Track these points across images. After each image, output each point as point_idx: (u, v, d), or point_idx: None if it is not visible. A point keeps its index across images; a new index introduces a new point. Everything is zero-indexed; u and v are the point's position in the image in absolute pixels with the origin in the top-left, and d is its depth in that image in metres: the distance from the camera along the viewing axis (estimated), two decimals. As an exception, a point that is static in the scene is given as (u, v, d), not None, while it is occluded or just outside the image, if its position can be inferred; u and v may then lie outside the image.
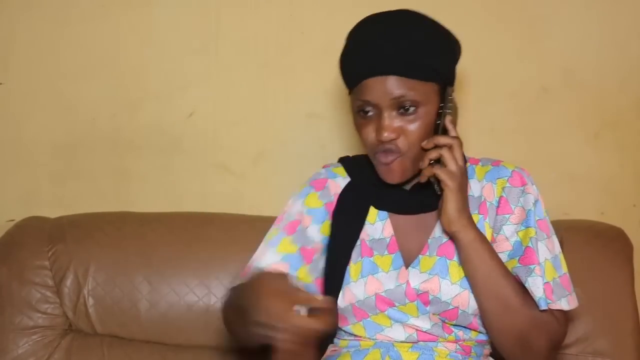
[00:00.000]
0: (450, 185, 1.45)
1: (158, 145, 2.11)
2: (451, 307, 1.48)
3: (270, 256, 1.56)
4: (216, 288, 1.85)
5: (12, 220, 2.01)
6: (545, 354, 1.49)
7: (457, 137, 1.48)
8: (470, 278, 1.47)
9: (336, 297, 1.53)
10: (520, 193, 1.54)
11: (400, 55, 1.45)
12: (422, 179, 1.48)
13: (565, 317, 1.52)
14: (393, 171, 1.50)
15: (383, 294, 1.50)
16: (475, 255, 1.46)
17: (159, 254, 1.86)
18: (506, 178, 1.56)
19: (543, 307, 1.46)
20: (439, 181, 1.48)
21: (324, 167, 1.70)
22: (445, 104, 1.49)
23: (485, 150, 1.94)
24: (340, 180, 1.65)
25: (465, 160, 1.54)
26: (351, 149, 2.05)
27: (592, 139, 2.06)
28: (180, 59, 2.10)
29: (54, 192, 2.11)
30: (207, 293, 1.84)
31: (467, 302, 1.48)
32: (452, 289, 1.48)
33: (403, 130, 1.47)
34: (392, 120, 1.46)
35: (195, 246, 1.88)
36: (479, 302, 1.47)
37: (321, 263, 1.58)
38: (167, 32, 2.10)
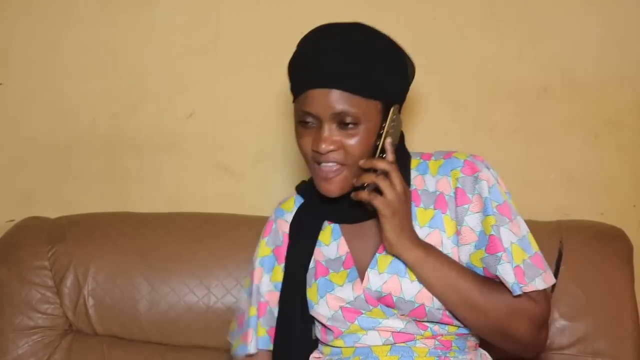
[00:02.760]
0: (385, 214, 1.44)
1: (158, 145, 2.11)
2: (417, 305, 1.48)
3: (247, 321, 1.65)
4: (216, 288, 1.85)
5: (12, 220, 2.01)
6: (531, 337, 1.49)
7: (394, 163, 1.47)
8: (430, 291, 1.47)
9: (300, 324, 1.57)
10: (474, 180, 1.52)
11: (345, 70, 1.44)
12: (354, 197, 1.48)
13: (545, 296, 1.51)
14: (330, 186, 1.50)
15: (347, 305, 1.52)
16: (424, 272, 1.46)
17: (158, 254, 1.86)
18: (459, 168, 1.54)
19: (517, 292, 1.45)
20: (362, 203, 1.48)
21: (277, 205, 1.70)
22: (387, 124, 1.47)
23: (485, 151, 1.94)
24: (288, 216, 1.66)
25: (408, 154, 1.57)
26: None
27: (592, 139, 2.06)
28: (180, 59, 2.10)
29: (54, 193, 2.11)
30: (207, 293, 1.85)
31: (431, 298, 1.47)
32: (413, 286, 1.48)
33: (342, 144, 1.47)
34: (331, 133, 1.46)
35: (195, 246, 1.88)
36: (448, 309, 1.48)
37: (276, 310, 1.61)
38: (166, 32, 2.10)
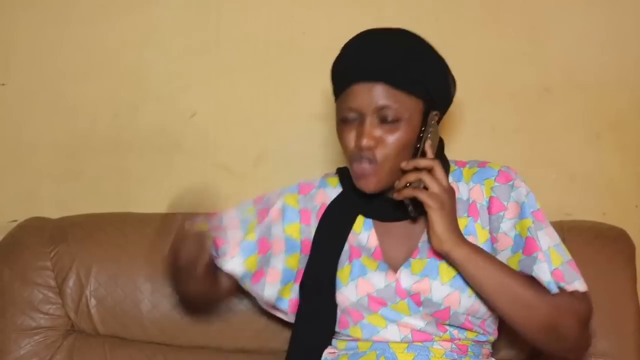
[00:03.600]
0: (432, 206, 1.45)
1: (159, 145, 2.11)
2: (443, 307, 1.49)
3: (235, 233, 1.63)
4: (218, 288, 1.85)
5: (14, 221, 2.00)
6: (579, 335, 1.50)
7: (436, 159, 1.49)
8: (480, 291, 1.47)
9: (323, 302, 1.56)
10: (510, 188, 1.55)
11: (390, 63, 1.47)
12: (398, 197, 1.48)
13: (585, 295, 1.52)
14: (367, 181, 1.51)
15: (374, 294, 1.52)
16: (474, 269, 1.46)
17: (161, 254, 1.86)
18: (493, 178, 1.57)
19: (554, 290, 1.47)
20: (413, 204, 1.48)
21: (323, 175, 1.72)
22: (427, 128, 1.50)
23: (486, 151, 1.95)
24: (331, 191, 1.66)
25: (447, 161, 1.58)
26: (353, 150, 2.05)
27: (593, 139, 2.06)
28: (181, 59, 2.10)
29: (56, 193, 2.11)
30: (209, 294, 1.84)
31: (458, 302, 1.48)
32: (443, 289, 1.49)
33: (382, 140, 1.48)
34: (373, 128, 1.48)
35: (197, 247, 1.88)
36: (499, 311, 1.48)
37: (274, 261, 1.62)
38: (167, 32, 2.10)
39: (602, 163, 2.06)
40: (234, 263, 1.61)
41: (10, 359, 1.80)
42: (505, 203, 1.54)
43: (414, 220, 1.55)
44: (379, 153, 1.49)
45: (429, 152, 1.49)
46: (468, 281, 1.48)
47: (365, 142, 1.47)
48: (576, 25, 2.06)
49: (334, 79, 1.57)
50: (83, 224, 1.92)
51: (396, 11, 2.05)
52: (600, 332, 1.75)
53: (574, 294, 1.49)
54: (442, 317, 1.50)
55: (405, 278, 1.51)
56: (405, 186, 1.47)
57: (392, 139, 1.48)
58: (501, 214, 1.54)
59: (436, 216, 1.45)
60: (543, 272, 1.48)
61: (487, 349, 1.57)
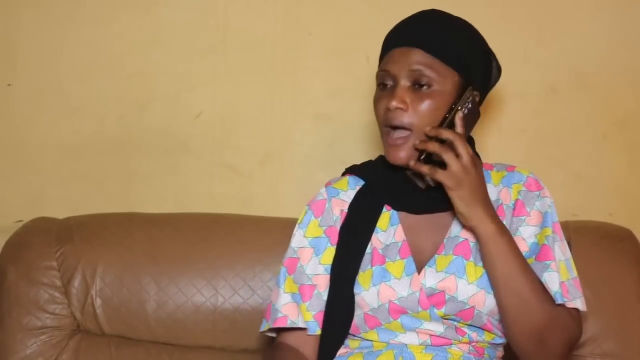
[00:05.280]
0: (450, 186, 1.43)
1: (165, 146, 2.11)
2: (467, 306, 1.47)
3: (282, 297, 1.58)
4: (223, 289, 1.85)
5: (20, 221, 2.01)
6: (560, 352, 1.48)
7: (461, 134, 1.47)
8: (490, 272, 1.46)
9: (344, 305, 1.53)
10: (537, 197, 1.55)
11: (431, 32, 1.51)
12: (413, 166, 1.46)
13: (580, 318, 1.52)
14: (398, 150, 1.50)
15: (396, 301, 1.49)
16: (495, 249, 1.44)
17: (166, 254, 1.86)
18: (522, 183, 1.57)
19: (559, 301, 1.46)
20: (421, 175, 1.48)
21: (326, 184, 1.67)
22: (460, 102, 1.49)
23: (492, 151, 1.95)
24: (344, 195, 1.63)
25: (478, 157, 1.56)
26: (358, 149, 2.05)
27: (600, 139, 2.06)
28: (187, 60, 2.10)
29: (62, 193, 2.11)
30: (215, 294, 1.85)
31: (483, 302, 1.47)
32: (469, 288, 1.48)
33: (413, 105, 1.49)
34: (404, 92, 1.49)
35: (202, 247, 1.88)
36: (498, 297, 1.46)
37: (325, 294, 1.57)
38: (174, 33, 2.10)
39: (609, 163, 2.05)
40: (301, 319, 1.55)
41: (16, 358, 1.80)
42: (528, 209, 1.54)
43: (442, 210, 1.53)
44: (410, 117, 1.48)
45: (459, 125, 1.47)
46: (483, 259, 1.47)
47: (394, 103, 1.48)
48: (583, 26, 2.05)
49: (381, 51, 1.59)
50: (89, 224, 1.92)
51: (402, 12, 2.02)
52: (606, 332, 1.75)
53: (572, 311, 1.49)
54: (464, 317, 1.48)
55: (430, 277, 1.49)
56: (420, 158, 1.45)
57: (423, 105, 1.48)
58: (522, 218, 1.53)
59: (454, 196, 1.44)
60: (552, 282, 1.47)
61: (500, 351, 1.57)
